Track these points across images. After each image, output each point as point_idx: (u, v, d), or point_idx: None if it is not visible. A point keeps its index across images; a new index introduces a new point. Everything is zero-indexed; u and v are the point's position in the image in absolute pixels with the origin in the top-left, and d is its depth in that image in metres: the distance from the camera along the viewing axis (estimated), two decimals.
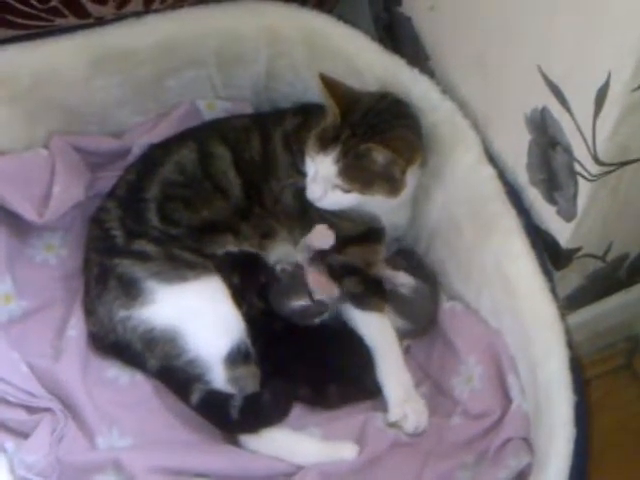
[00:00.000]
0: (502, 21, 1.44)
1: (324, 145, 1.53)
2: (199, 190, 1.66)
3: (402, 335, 1.64)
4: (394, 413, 1.55)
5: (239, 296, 1.61)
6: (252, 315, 1.62)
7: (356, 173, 1.53)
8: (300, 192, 1.62)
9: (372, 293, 1.62)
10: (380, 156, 1.51)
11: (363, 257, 1.63)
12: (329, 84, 1.55)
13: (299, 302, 1.64)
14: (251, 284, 1.65)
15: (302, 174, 1.61)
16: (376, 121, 1.55)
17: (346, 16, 1.74)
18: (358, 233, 1.63)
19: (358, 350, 1.60)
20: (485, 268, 1.55)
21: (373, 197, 1.56)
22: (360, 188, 1.54)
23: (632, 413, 1.94)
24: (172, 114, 1.78)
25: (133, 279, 1.55)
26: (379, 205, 1.60)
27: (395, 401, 1.56)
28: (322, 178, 1.54)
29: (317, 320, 1.63)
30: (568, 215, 1.45)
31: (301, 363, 1.60)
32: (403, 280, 1.66)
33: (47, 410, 1.51)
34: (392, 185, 1.56)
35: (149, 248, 1.59)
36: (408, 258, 1.71)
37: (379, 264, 1.64)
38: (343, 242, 1.62)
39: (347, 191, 1.54)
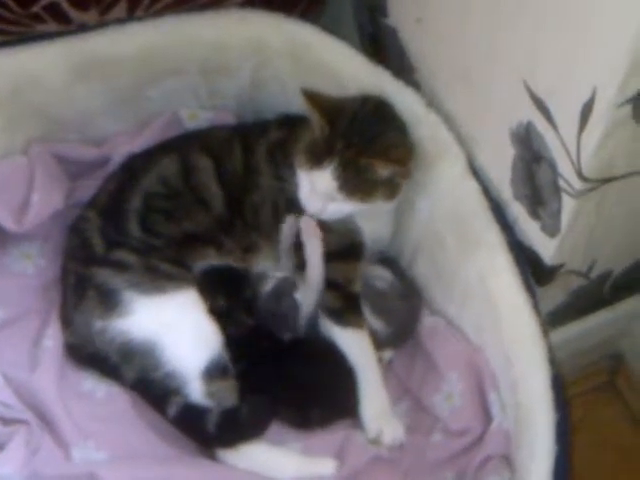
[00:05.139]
0: (488, 35, 1.43)
1: (318, 159, 1.52)
2: (181, 202, 1.65)
3: (381, 343, 1.63)
4: (370, 429, 1.55)
5: (226, 317, 1.60)
6: (239, 335, 1.60)
7: (357, 186, 1.52)
8: (279, 206, 1.63)
9: (351, 309, 1.61)
10: (384, 170, 1.51)
11: (343, 273, 1.62)
12: (311, 97, 1.53)
13: (267, 286, 1.64)
14: (238, 302, 1.64)
15: (286, 186, 1.60)
16: (365, 127, 1.54)
17: (331, 27, 1.73)
18: (339, 248, 1.62)
19: (344, 372, 1.59)
20: (468, 283, 1.54)
21: (374, 203, 1.55)
22: (362, 197, 1.53)
23: (614, 431, 1.94)
24: (154, 123, 1.76)
25: (111, 289, 1.54)
26: (363, 216, 1.60)
27: (369, 417, 1.56)
28: (321, 192, 1.53)
29: (294, 299, 1.62)
30: (552, 231, 1.44)
31: (285, 386, 1.58)
32: (379, 272, 1.66)
33: (22, 422, 1.49)
34: (392, 190, 1.56)
35: (128, 258, 1.57)
36: (390, 268, 1.70)
37: (358, 281, 1.63)
38: (324, 257, 1.61)
39: (348, 201, 1.53)
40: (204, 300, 1.59)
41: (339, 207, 1.55)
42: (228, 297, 1.63)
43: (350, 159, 1.50)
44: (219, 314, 1.59)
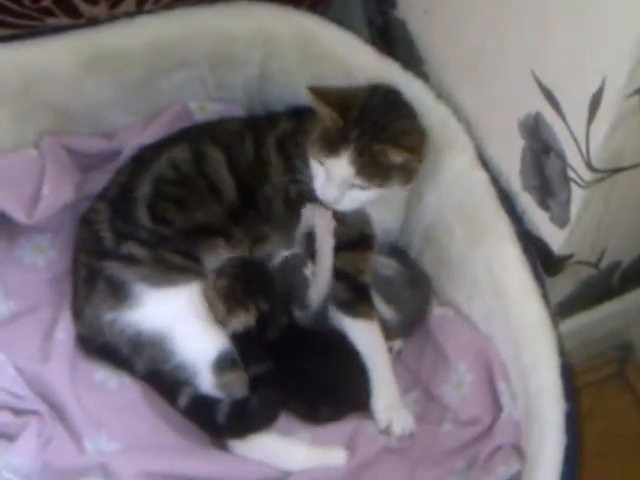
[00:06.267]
0: (496, 25, 1.43)
1: (334, 148, 1.52)
2: (192, 190, 1.65)
3: (392, 331, 1.63)
4: (380, 420, 1.55)
5: (271, 320, 1.59)
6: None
7: (374, 170, 1.52)
8: (291, 197, 1.63)
9: (361, 300, 1.61)
10: (398, 158, 1.51)
11: (354, 263, 1.62)
12: (319, 94, 1.53)
13: (275, 260, 1.64)
14: (277, 300, 1.61)
15: (297, 178, 1.61)
16: (376, 115, 1.54)
17: (340, 18, 1.73)
18: (350, 239, 1.62)
19: (356, 367, 1.59)
20: (477, 273, 1.54)
21: (391, 188, 1.55)
22: (380, 183, 1.53)
23: (623, 421, 1.93)
24: (163, 115, 1.76)
25: (121, 282, 1.54)
26: (373, 207, 1.60)
27: (380, 408, 1.56)
28: (339, 180, 1.53)
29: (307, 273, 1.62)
30: (561, 221, 1.45)
31: (297, 382, 1.58)
32: (384, 261, 1.66)
33: (34, 413, 1.50)
34: (408, 174, 1.56)
35: (138, 251, 1.57)
36: (400, 258, 1.70)
37: (368, 272, 1.63)
38: (334, 248, 1.61)
39: (365, 188, 1.53)
40: (248, 313, 1.57)
41: (356, 195, 1.55)
42: (268, 298, 1.60)
43: (365, 145, 1.51)
44: (264, 321, 1.58)
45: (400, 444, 1.54)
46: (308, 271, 1.63)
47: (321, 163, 1.54)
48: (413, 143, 1.55)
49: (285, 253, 1.65)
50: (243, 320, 1.57)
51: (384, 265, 1.66)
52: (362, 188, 1.53)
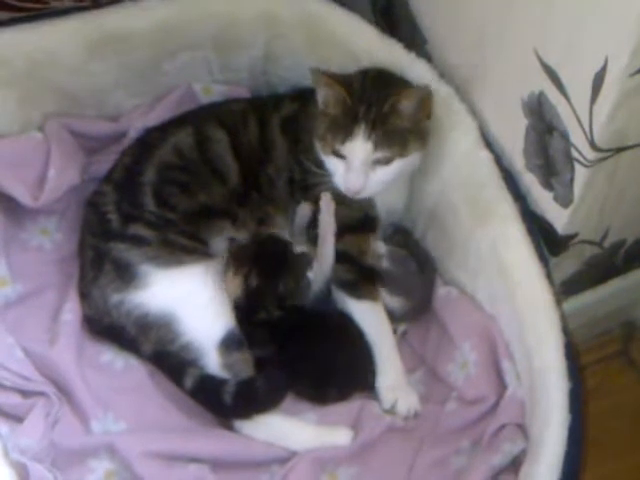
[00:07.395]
0: (499, 4, 1.43)
1: (347, 132, 1.52)
2: (196, 174, 1.65)
3: (399, 317, 1.64)
4: (385, 400, 1.56)
5: (257, 301, 1.60)
6: (267, 320, 1.61)
7: (391, 138, 1.52)
8: (295, 177, 1.64)
9: (365, 281, 1.62)
10: (408, 104, 1.52)
11: (357, 245, 1.63)
12: (326, 74, 1.54)
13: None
14: (271, 287, 1.62)
15: (299, 161, 1.62)
16: (376, 90, 1.55)
17: None
18: (353, 221, 1.63)
19: (362, 348, 1.59)
20: (481, 254, 1.55)
21: (410, 156, 1.55)
22: (400, 150, 1.53)
23: (628, 399, 1.93)
24: (168, 98, 1.77)
25: (128, 263, 1.55)
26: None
27: (385, 388, 1.57)
28: (359, 163, 1.52)
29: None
30: (565, 201, 1.45)
31: (303, 364, 1.58)
32: (395, 254, 1.66)
33: (42, 394, 1.51)
34: (421, 135, 1.57)
35: (145, 232, 1.58)
36: (404, 238, 1.71)
37: (371, 252, 1.63)
38: (338, 230, 1.61)
39: (388, 162, 1.53)
40: (235, 278, 1.60)
41: (380, 175, 1.54)
42: (262, 278, 1.62)
43: (376, 116, 1.51)
44: (250, 300, 1.59)
45: (405, 423, 1.55)
46: (312, 274, 1.63)
47: (336, 154, 1.54)
48: (417, 92, 1.55)
49: (296, 250, 1.65)
50: (231, 286, 1.59)
51: (393, 260, 1.66)
52: (384, 163, 1.53)
